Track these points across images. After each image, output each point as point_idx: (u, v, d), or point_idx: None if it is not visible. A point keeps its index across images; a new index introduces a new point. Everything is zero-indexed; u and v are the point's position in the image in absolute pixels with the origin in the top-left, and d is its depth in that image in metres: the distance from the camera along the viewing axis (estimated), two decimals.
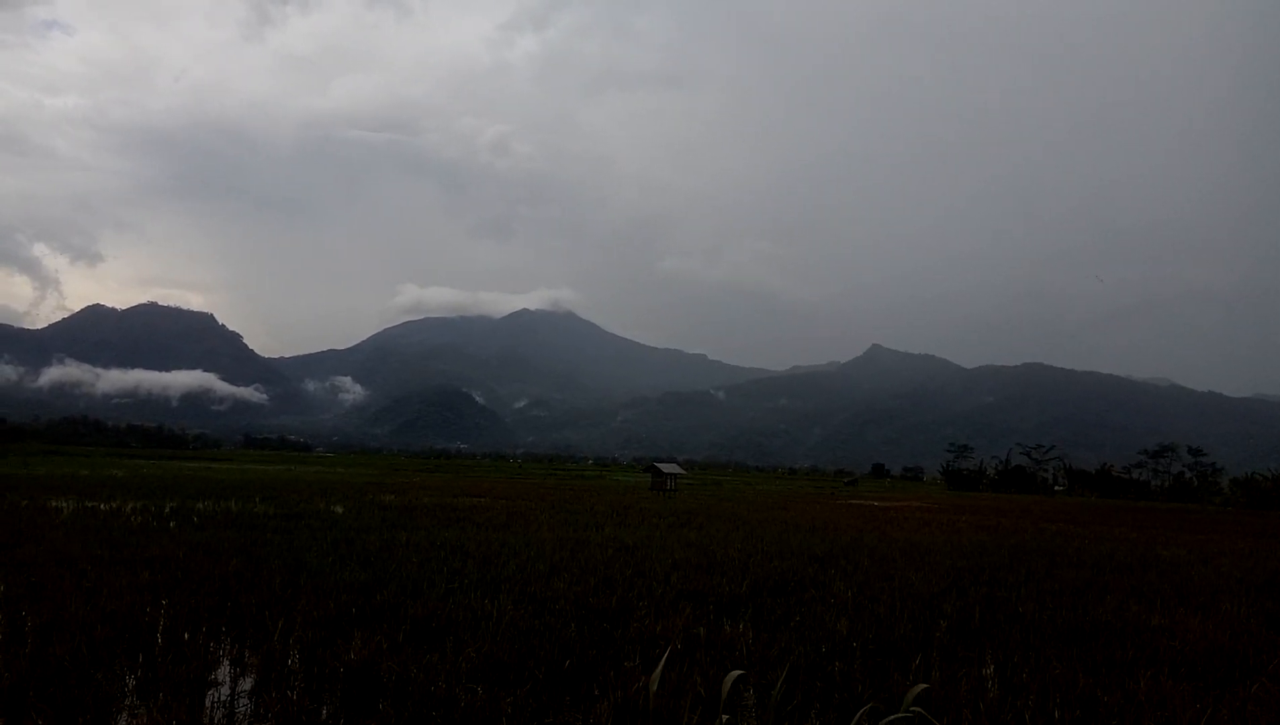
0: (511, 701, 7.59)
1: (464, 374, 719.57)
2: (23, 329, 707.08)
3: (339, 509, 28.08)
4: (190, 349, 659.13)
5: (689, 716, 6.62)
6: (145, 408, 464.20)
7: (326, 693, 8.07)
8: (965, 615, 12.31)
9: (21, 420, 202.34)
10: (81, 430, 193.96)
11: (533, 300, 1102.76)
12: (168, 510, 24.55)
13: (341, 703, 7.81)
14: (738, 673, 5.75)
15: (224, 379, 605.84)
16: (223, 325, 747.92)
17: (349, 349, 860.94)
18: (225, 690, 8.10)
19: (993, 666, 9.73)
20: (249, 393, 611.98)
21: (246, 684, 8.32)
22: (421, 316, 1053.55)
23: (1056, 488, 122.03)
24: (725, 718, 5.56)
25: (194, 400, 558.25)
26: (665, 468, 65.64)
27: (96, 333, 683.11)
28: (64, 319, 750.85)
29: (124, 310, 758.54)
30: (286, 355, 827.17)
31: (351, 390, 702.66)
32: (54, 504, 25.28)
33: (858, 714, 5.80)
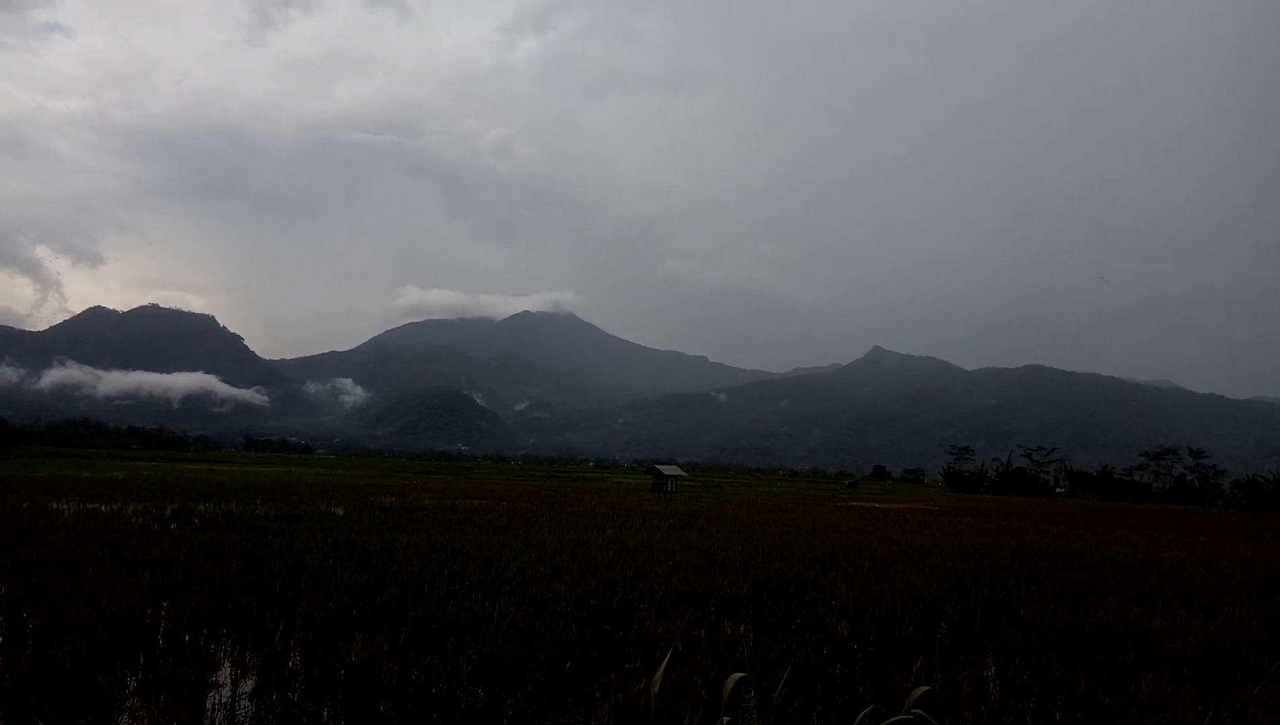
0: (512, 703, 7.58)
1: (465, 376, 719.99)
2: (24, 331, 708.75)
3: (340, 511, 28.08)
4: (191, 351, 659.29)
5: (690, 718, 6.62)
6: (146, 410, 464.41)
7: (327, 695, 8.07)
8: (966, 617, 12.30)
9: (23, 422, 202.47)
10: (82, 432, 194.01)
11: (534, 302, 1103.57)
12: (169, 512, 24.55)
13: (342, 705, 7.81)
14: (739, 675, 5.74)
15: (225, 381, 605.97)
16: (224, 327, 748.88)
17: (350, 351, 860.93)
18: (226, 692, 8.10)
19: (994, 669, 9.72)
20: (250, 395, 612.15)
21: (247, 686, 8.32)
22: (422, 318, 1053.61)
23: (1058, 490, 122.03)
24: (726, 719, 5.55)
25: (195, 402, 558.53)
26: (666, 470, 65.60)
27: (98, 335, 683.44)
28: (65, 321, 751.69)
29: (125, 312, 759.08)
30: (288, 357, 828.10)
31: (352, 392, 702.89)
32: (55, 506, 25.27)
33: (859, 716, 5.79)
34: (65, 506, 25.24)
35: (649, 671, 8.25)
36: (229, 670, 8.76)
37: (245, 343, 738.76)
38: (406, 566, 14.57)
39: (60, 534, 17.62)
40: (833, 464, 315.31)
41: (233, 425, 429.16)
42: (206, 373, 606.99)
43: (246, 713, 7.63)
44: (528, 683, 8.16)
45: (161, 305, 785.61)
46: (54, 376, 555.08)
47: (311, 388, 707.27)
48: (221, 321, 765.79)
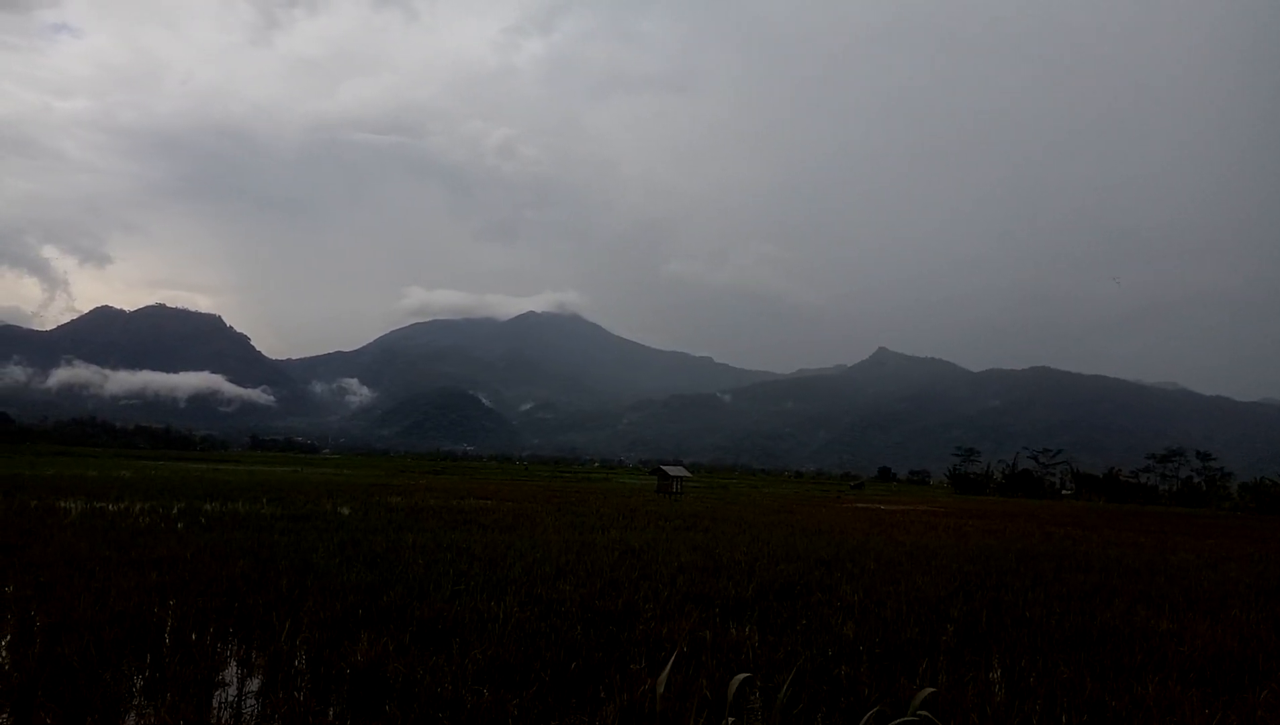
0: (518, 703, 7.60)
1: (470, 376, 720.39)
2: (32, 330, 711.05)
3: (346, 510, 28.14)
4: (198, 351, 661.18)
5: (695, 719, 6.61)
6: (153, 409, 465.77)
7: (333, 694, 8.09)
8: (972, 619, 12.28)
9: (30, 421, 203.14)
10: (90, 431, 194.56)
11: (539, 303, 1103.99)
12: (175, 511, 24.64)
13: (348, 704, 7.83)
14: (744, 675, 5.74)
15: (231, 380, 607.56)
16: (230, 327, 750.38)
17: (356, 351, 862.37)
18: (232, 691, 8.13)
19: (1000, 671, 9.70)
20: (256, 394, 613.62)
21: (254, 685, 8.35)
22: (428, 319, 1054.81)
23: (1064, 492, 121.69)
24: (731, 720, 5.56)
25: (201, 402, 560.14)
26: (671, 470, 65.63)
27: (105, 334, 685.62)
28: (73, 320, 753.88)
29: (132, 312, 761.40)
30: (294, 357, 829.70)
31: (358, 392, 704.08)
32: (62, 504, 25.39)
33: (864, 717, 5.79)
34: (73, 505, 25.35)
35: (654, 672, 8.25)
36: (235, 669, 8.80)
37: (252, 342, 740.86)
38: (412, 566, 14.60)
39: (68, 532, 17.70)
40: (837, 465, 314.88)
41: (239, 425, 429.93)
42: (213, 372, 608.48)
43: (253, 711, 7.66)
44: (533, 683, 8.17)
45: (168, 305, 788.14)
46: (61, 376, 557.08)
47: (317, 387, 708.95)
48: (228, 321, 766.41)
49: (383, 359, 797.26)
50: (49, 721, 6.93)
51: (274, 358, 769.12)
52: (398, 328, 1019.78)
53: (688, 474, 72.09)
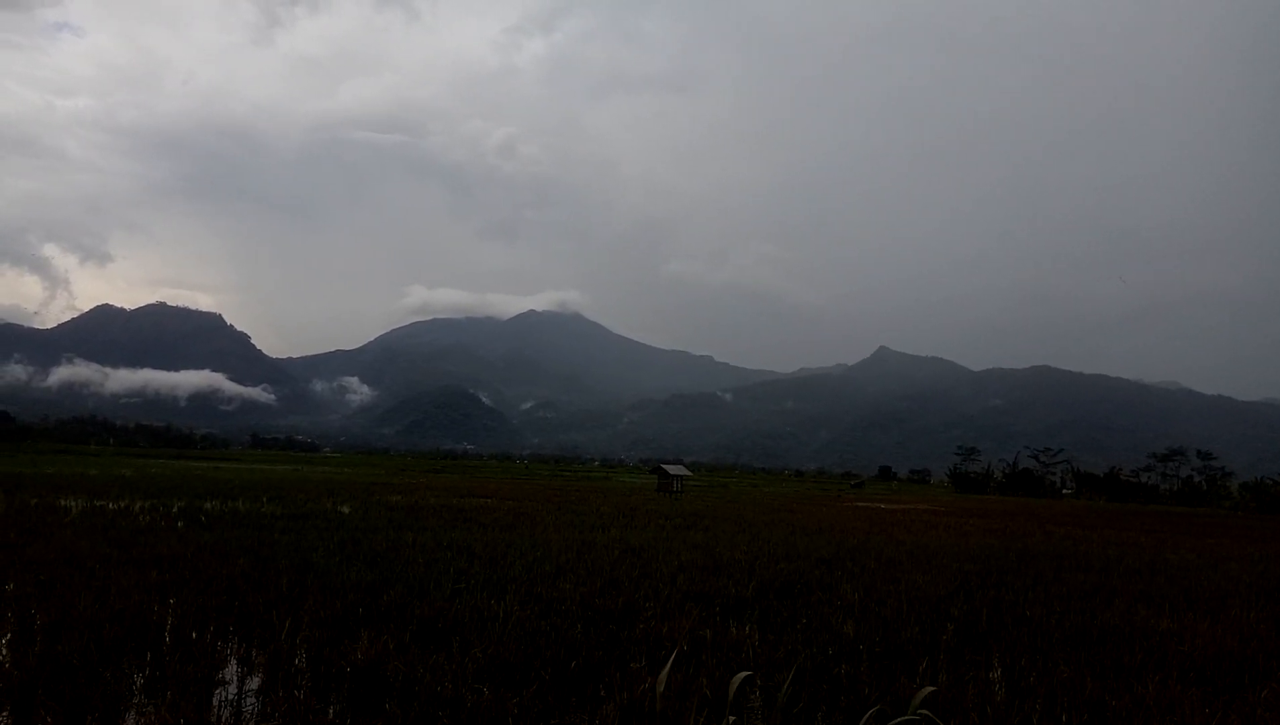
0: (518, 702, 7.59)
1: (471, 375, 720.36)
2: (33, 329, 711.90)
3: (346, 509, 28.16)
4: (199, 349, 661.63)
5: (695, 718, 6.62)
6: (154, 407, 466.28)
7: (333, 692, 8.09)
8: (972, 618, 12.27)
9: (31, 419, 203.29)
10: (90, 430, 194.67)
11: (540, 302, 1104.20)
12: (176, 510, 24.65)
13: (348, 702, 7.83)
14: (745, 674, 5.75)
15: (232, 379, 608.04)
16: (231, 326, 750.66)
17: (357, 350, 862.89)
18: (233, 689, 8.13)
19: (1000, 670, 9.70)
20: (257, 393, 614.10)
21: (254, 683, 8.36)
22: (429, 318, 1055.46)
23: (1064, 491, 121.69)
24: (732, 719, 5.56)
25: (202, 400, 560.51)
26: (672, 469, 65.64)
27: (106, 333, 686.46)
28: (73, 319, 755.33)
29: (133, 310, 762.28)
30: (294, 356, 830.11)
31: (359, 391, 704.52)
32: (63, 503, 25.41)
33: (865, 716, 5.79)
34: (73, 503, 25.37)
35: (654, 671, 8.25)
36: (235, 667, 8.80)
37: (252, 341, 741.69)
38: (412, 565, 14.60)
39: (68, 531, 17.70)
40: (838, 464, 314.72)
41: (240, 423, 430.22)
42: (214, 371, 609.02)
43: (253, 710, 7.66)
44: (533, 681, 8.17)
45: (169, 303, 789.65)
46: (62, 374, 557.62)
47: (318, 386, 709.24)
48: (229, 320, 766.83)
49: (383, 358, 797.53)
50: (49, 720, 6.93)
51: (275, 356, 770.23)
52: (398, 327, 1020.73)
53: (688, 473, 72.10)
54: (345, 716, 7.50)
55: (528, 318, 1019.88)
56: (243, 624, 10.10)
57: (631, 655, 9.39)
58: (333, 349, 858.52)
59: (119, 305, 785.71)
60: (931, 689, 6.23)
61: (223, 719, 7.24)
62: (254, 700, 7.89)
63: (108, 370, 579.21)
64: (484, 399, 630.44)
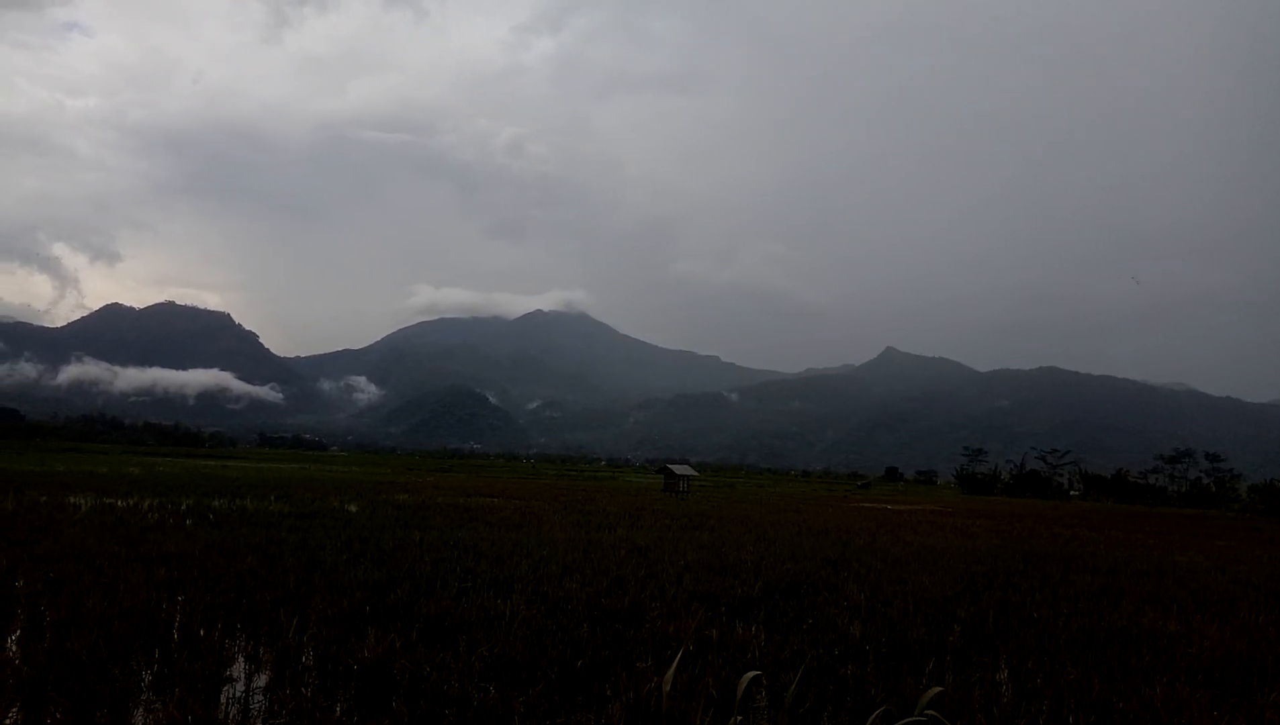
0: (524, 701, 7.60)
1: (478, 374, 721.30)
2: (42, 327, 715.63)
3: (353, 508, 28.22)
4: (207, 348, 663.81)
5: (701, 717, 6.62)
6: (162, 406, 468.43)
7: (340, 690, 8.12)
8: (979, 620, 12.25)
9: (41, 417, 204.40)
10: (99, 428, 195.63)
11: (546, 301, 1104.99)
12: (184, 508, 24.73)
13: (355, 700, 7.86)
14: (753, 673, 5.75)
15: (240, 378, 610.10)
16: (239, 325, 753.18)
17: (364, 349, 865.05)
18: (240, 687, 8.16)
19: (1007, 671, 9.68)
20: (265, 392, 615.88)
21: (261, 680, 8.39)
22: (436, 317, 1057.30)
23: (1071, 492, 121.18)
24: (738, 719, 5.56)
25: (210, 399, 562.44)
26: (678, 469, 65.61)
27: (114, 331, 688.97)
28: (83, 317, 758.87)
29: (142, 309, 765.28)
30: (302, 355, 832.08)
31: (366, 390, 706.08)
32: (72, 501, 25.53)
33: (871, 717, 5.79)
34: (82, 501, 25.49)
35: (660, 670, 8.25)
36: (243, 665, 8.83)
37: (260, 340, 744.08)
38: (419, 564, 14.62)
39: (77, 528, 17.78)
40: (844, 465, 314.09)
41: (247, 422, 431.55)
42: (222, 370, 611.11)
43: (260, 707, 7.69)
44: (539, 680, 8.18)
45: (178, 302, 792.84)
46: (71, 372, 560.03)
47: (325, 385, 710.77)
48: (237, 319, 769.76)
49: (390, 357, 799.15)
50: (59, 716, 6.97)
51: (282, 355, 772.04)
52: (405, 326, 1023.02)
53: (694, 473, 72.05)
54: (352, 714, 7.52)
55: (534, 317, 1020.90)
56: (250, 622, 10.13)
57: (638, 655, 9.39)
58: (340, 348, 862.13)
59: (128, 304, 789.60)
60: (939, 689, 6.22)
61: (230, 716, 7.27)
62: (261, 698, 7.92)
63: (116, 369, 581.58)
64: (490, 398, 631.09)
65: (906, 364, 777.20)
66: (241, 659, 8.99)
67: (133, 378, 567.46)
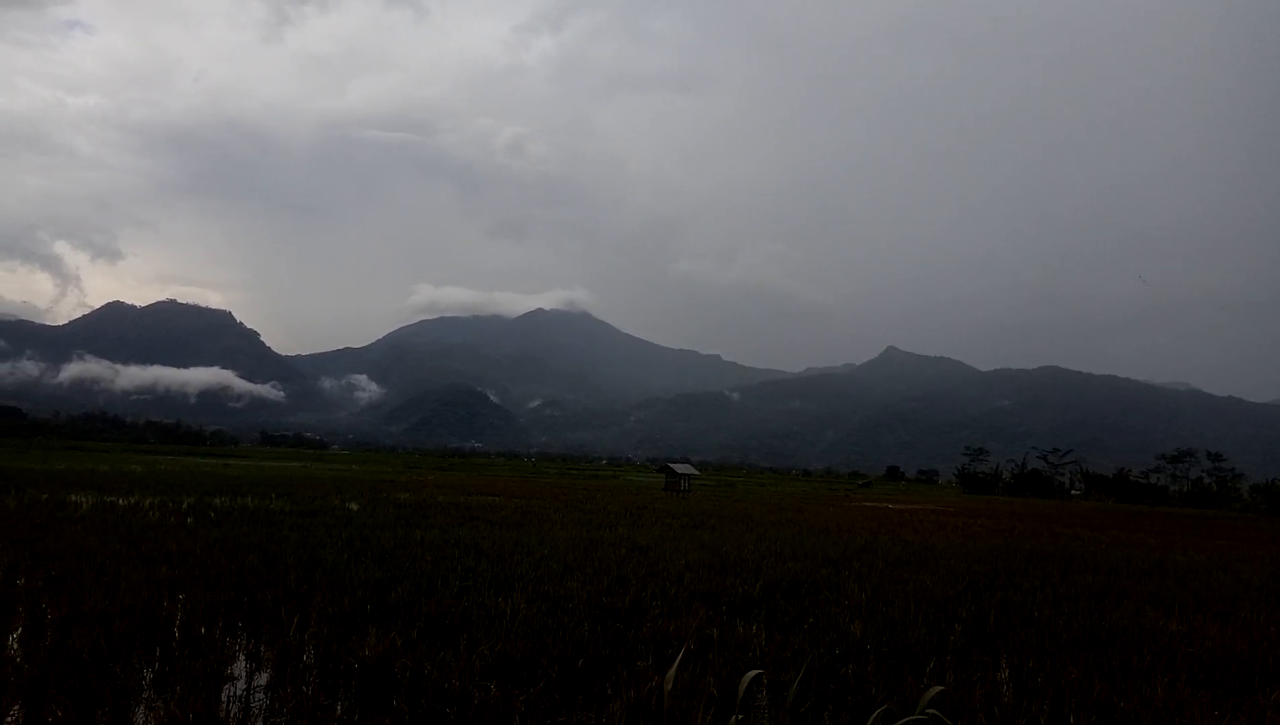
0: (524, 699, 7.60)
1: (478, 373, 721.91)
2: (44, 325, 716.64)
3: (354, 506, 28.23)
4: (208, 346, 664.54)
5: (703, 716, 6.61)
6: (163, 404, 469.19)
7: (341, 688, 8.12)
8: (980, 619, 12.24)
9: (42, 415, 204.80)
10: (100, 426, 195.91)
11: (547, 300, 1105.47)
12: (185, 506, 24.75)
13: (356, 698, 7.86)
14: (755, 672, 5.74)
15: (241, 376, 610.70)
16: (240, 323, 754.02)
17: (365, 348, 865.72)
18: (241, 685, 8.16)
19: (1008, 671, 9.67)
20: (266, 390, 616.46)
21: (262, 679, 8.39)
22: (436, 316, 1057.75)
23: (1073, 492, 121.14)
24: (739, 718, 5.55)
25: (212, 397, 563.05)
26: (679, 468, 65.59)
27: (116, 329, 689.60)
28: (84, 316, 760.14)
29: (143, 307, 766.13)
30: (303, 353, 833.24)
31: (367, 388, 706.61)
32: (73, 498, 25.54)
33: (872, 716, 5.78)
34: (83, 499, 25.50)
35: (661, 669, 8.25)
36: (244, 663, 8.83)
37: (261, 339, 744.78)
38: (420, 562, 14.62)
39: (79, 526, 17.79)
40: (846, 464, 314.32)
41: (249, 420, 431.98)
42: (223, 368, 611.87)
43: (261, 705, 7.69)
44: (540, 679, 8.17)
45: (179, 301, 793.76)
46: (73, 370, 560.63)
47: (327, 384, 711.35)
48: (238, 317, 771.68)
49: (391, 356, 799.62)
50: (60, 714, 6.98)
51: (284, 354, 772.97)
52: (406, 325, 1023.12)
53: (695, 472, 72.01)
54: (353, 713, 7.52)
55: (535, 316, 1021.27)
56: (251, 620, 10.13)
57: (638, 654, 9.39)
58: (341, 347, 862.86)
59: (129, 302, 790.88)
60: (940, 688, 6.21)
61: (231, 714, 7.27)
62: (262, 696, 7.92)
63: (118, 367, 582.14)
64: (491, 397, 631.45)
65: (908, 363, 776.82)
66: (242, 657, 8.99)
67: (134, 376, 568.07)
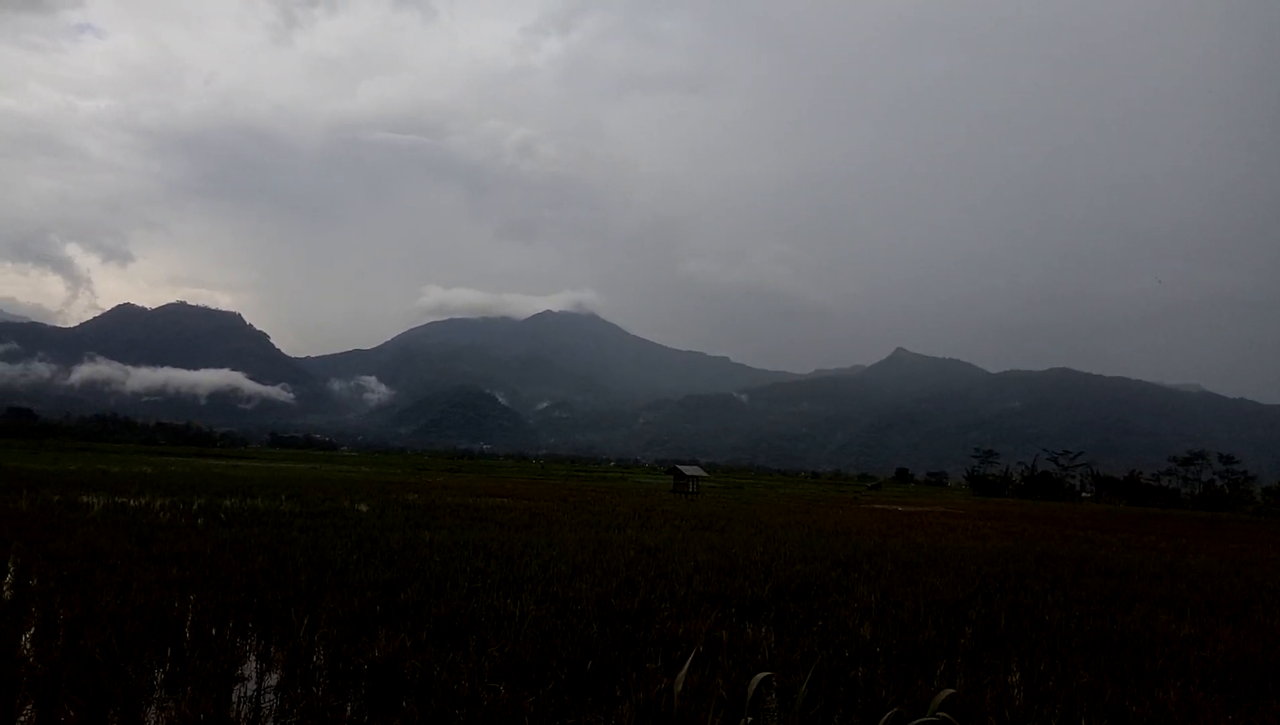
0: (534, 701, 7.61)
1: (487, 375, 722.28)
2: (56, 327, 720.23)
3: (364, 508, 28.30)
4: (218, 348, 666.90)
5: (712, 718, 6.61)
6: (174, 406, 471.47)
7: (351, 689, 8.14)
8: (990, 622, 12.19)
9: (54, 417, 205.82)
10: (112, 427, 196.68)
11: (556, 302, 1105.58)
12: (195, 507, 24.85)
13: (366, 700, 7.88)
14: (764, 674, 5.74)
15: (251, 378, 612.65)
16: (250, 325, 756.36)
17: (374, 349, 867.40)
18: (251, 685, 8.19)
19: (1018, 674, 9.63)
20: (276, 392, 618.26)
21: (272, 680, 8.42)
22: (446, 318, 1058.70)
23: (1084, 495, 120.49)
24: (749, 720, 5.55)
25: (222, 399, 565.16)
26: (687, 470, 65.55)
27: (127, 331, 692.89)
28: (95, 317, 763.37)
29: (154, 309, 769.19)
30: (313, 355, 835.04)
31: (376, 390, 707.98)
32: (85, 499, 25.68)
33: (882, 719, 5.76)
34: (95, 500, 25.64)
35: (670, 671, 8.25)
36: (254, 664, 8.87)
37: (271, 340, 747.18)
38: (429, 564, 14.66)
39: (90, 527, 17.89)
40: (854, 466, 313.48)
41: (258, 422, 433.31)
42: (233, 370, 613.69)
43: (271, 706, 7.72)
44: (549, 681, 8.18)
45: (189, 303, 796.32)
46: (84, 372, 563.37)
47: (336, 385, 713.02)
48: (248, 319, 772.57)
49: (401, 357, 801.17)
50: (72, 714, 7.01)
51: (293, 356, 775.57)
52: (415, 326, 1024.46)
53: (704, 474, 71.96)
54: (363, 713, 7.54)
55: (544, 318, 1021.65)
56: (261, 621, 10.17)
57: (647, 655, 9.38)
58: (350, 348, 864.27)
59: (140, 304, 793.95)
60: (951, 691, 6.20)
61: (242, 715, 7.29)
62: (273, 696, 7.95)
63: (129, 368, 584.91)
64: (500, 399, 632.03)
65: (917, 365, 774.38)
66: (253, 658, 9.03)
67: (145, 377, 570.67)
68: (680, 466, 70.56)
